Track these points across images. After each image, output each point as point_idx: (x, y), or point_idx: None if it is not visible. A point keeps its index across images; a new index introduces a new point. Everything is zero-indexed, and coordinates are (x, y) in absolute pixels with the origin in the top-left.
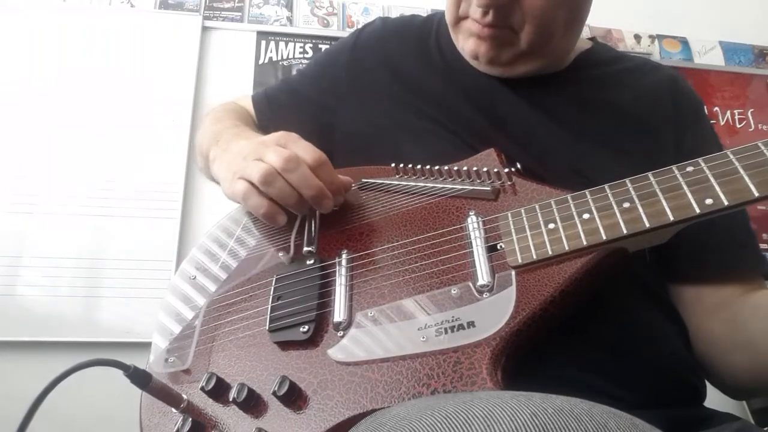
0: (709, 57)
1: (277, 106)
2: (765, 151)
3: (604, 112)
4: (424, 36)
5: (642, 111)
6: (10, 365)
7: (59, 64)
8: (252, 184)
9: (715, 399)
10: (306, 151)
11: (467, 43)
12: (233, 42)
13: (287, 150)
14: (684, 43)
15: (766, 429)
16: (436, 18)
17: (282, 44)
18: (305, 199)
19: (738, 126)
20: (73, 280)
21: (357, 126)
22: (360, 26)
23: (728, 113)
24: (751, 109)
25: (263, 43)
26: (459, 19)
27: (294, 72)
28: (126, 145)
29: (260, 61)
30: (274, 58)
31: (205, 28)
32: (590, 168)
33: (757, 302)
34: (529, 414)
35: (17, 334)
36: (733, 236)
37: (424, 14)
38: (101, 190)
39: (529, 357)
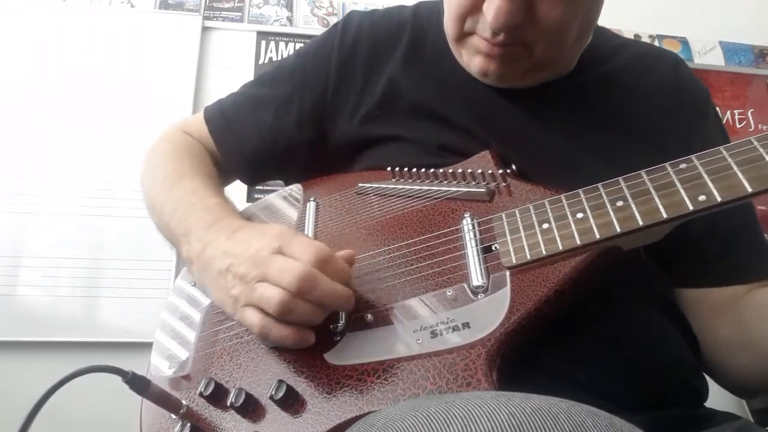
0: (709, 57)
1: (238, 130)
2: (758, 146)
3: (605, 121)
4: (417, 40)
5: (645, 116)
6: (10, 365)
7: (59, 64)
8: (266, 313)
9: (715, 399)
10: (306, 250)
11: (474, 60)
12: (233, 42)
13: (293, 262)
14: (684, 43)
15: (766, 429)
16: (424, 13)
17: (282, 44)
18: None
19: (738, 126)
20: (73, 280)
21: (351, 134)
22: (334, 27)
23: (728, 113)
24: (751, 109)
25: (263, 43)
26: (463, 35)
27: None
28: (126, 145)
29: (260, 61)
30: (274, 58)
31: (205, 28)
32: (591, 179)
33: (763, 300)
34: (506, 414)
35: (17, 334)
36: (736, 234)
37: None
38: (101, 190)
39: (526, 357)
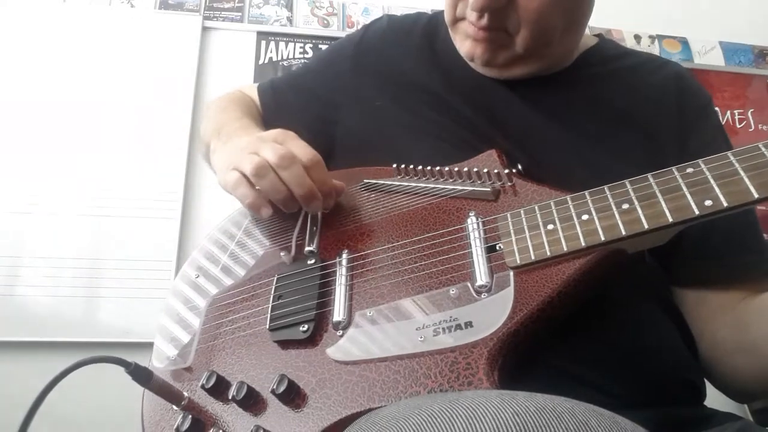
0: (709, 57)
1: (282, 102)
2: (765, 152)
3: (604, 112)
4: (429, 35)
5: (644, 111)
6: (10, 365)
7: (59, 64)
8: (244, 175)
9: (715, 399)
10: (301, 150)
11: (464, 45)
12: (233, 42)
13: (283, 147)
14: (684, 43)
15: (767, 429)
16: (441, 16)
17: (282, 44)
18: (295, 197)
19: (738, 126)
20: (73, 280)
21: (358, 124)
22: (366, 23)
23: (728, 113)
24: (751, 109)
25: (263, 43)
26: (456, 20)
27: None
28: (126, 146)
29: (260, 61)
30: (274, 58)
31: (205, 28)
32: (589, 170)
33: (762, 304)
34: (511, 412)
35: (17, 334)
36: (737, 238)
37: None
38: (101, 190)
39: (528, 356)
